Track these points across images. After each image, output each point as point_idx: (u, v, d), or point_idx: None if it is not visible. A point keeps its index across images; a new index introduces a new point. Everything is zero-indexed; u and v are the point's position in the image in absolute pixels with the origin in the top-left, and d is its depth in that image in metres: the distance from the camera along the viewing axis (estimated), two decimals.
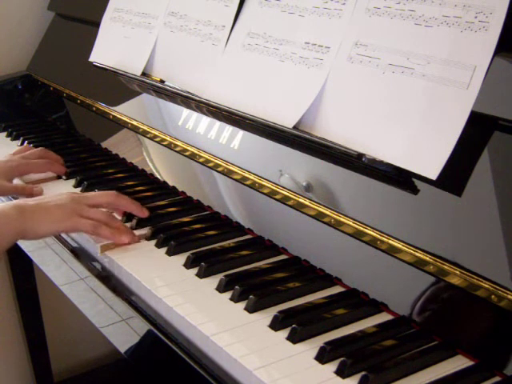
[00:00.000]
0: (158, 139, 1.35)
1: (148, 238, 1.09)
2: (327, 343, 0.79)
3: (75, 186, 1.32)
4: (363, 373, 0.74)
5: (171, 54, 1.36)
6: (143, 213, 1.13)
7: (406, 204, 0.89)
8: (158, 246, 1.06)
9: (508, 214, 0.78)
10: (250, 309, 0.88)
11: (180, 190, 1.27)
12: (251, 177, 1.10)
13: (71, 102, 1.67)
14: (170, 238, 1.06)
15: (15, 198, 1.27)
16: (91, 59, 1.54)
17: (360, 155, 0.90)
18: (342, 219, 0.95)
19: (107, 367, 2.09)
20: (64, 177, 1.36)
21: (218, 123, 1.21)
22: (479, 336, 0.80)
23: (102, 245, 1.06)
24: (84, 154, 1.50)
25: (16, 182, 1.32)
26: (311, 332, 0.83)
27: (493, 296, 0.77)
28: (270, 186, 1.07)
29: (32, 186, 1.28)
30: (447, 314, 0.83)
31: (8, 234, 1.02)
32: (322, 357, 0.78)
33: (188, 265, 1.00)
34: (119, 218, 1.15)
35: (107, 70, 1.46)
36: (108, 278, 1.03)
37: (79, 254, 1.11)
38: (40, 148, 1.40)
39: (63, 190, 1.29)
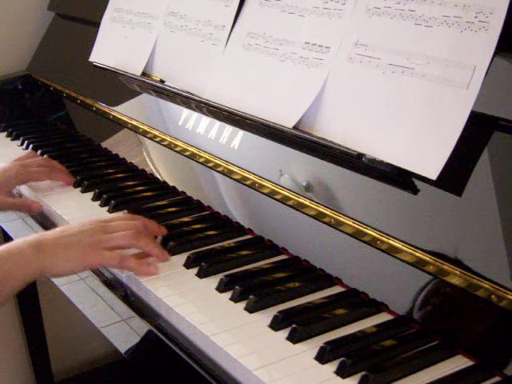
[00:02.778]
0: (157, 139, 1.35)
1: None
2: (327, 343, 0.79)
3: (75, 186, 1.32)
4: (363, 373, 0.74)
5: (171, 54, 1.36)
6: (165, 255, 1.02)
7: (406, 204, 0.89)
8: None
9: (508, 213, 0.78)
10: (250, 309, 0.88)
11: (180, 190, 1.27)
12: (251, 177, 1.10)
13: (71, 102, 1.67)
14: (170, 238, 1.06)
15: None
16: (91, 59, 1.54)
17: (360, 155, 0.90)
18: (342, 219, 0.94)
19: (107, 367, 2.09)
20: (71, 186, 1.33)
21: (217, 123, 1.21)
22: (479, 336, 0.80)
23: None
24: (84, 154, 1.50)
25: (24, 189, 1.31)
26: (311, 332, 0.83)
27: (493, 296, 0.77)
28: (269, 185, 1.07)
29: (31, 202, 1.24)
30: (447, 314, 0.83)
31: (24, 274, 0.95)
32: (322, 357, 0.78)
33: (188, 265, 1.00)
34: None
35: (107, 70, 1.46)
36: (108, 278, 1.04)
37: None
38: (43, 157, 1.36)
39: (69, 196, 1.28)
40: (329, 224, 0.96)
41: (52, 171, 1.32)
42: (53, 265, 0.95)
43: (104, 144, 1.53)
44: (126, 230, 1.00)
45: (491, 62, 0.82)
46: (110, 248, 0.98)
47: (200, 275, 0.97)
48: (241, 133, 1.16)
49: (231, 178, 1.15)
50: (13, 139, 1.63)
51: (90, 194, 1.27)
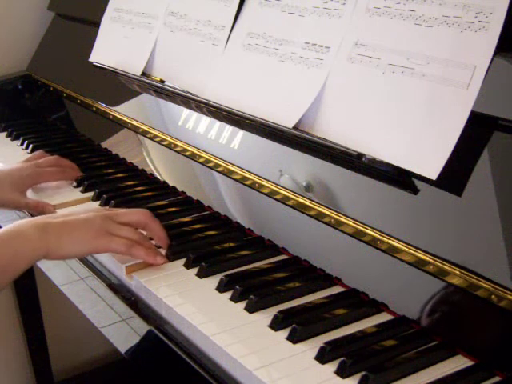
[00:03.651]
0: (157, 139, 1.35)
1: (148, 238, 1.08)
2: (327, 343, 0.79)
3: (75, 186, 1.32)
4: (363, 373, 0.74)
5: (171, 53, 1.36)
6: (162, 259, 1.01)
7: (406, 204, 0.89)
8: (158, 246, 1.06)
9: (508, 213, 0.78)
10: (250, 309, 0.88)
11: (180, 190, 1.27)
12: (251, 177, 1.10)
13: (71, 102, 1.67)
14: (170, 238, 1.06)
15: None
16: (91, 59, 1.54)
17: (360, 155, 0.90)
18: (342, 219, 0.94)
19: (107, 367, 2.09)
20: (74, 183, 1.33)
21: (217, 123, 1.21)
22: (479, 336, 0.80)
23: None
24: (84, 154, 1.50)
25: (29, 193, 1.30)
26: (311, 332, 0.83)
27: (493, 296, 0.77)
28: (269, 185, 1.07)
29: (44, 204, 1.23)
30: (447, 313, 0.83)
31: (28, 255, 0.93)
32: (322, 357, 0.78)
33: (188, 265, 1.00)
34: None
35: (107, 69, 1.46)
36: (108, 278, 1.04)
37: None
38: (54, 156, 1.36)
39: (70, 196, 1.27)
40: (329, 224, 0.96)
41: (64, 172, 1.32)
42: (58, 246, 0.94)
43: (104, 144, 1.53)
44: (132, 223, 1.01)
45: (491, 62, 0.82)
46: (121, 223, 0.99)
47: (200, 275, 0.97)
48: (241, 133, 1.16)
49: (231, 178, 1.15)
50: (13, 139, 1.63)
51: (90, 194, 1.27)
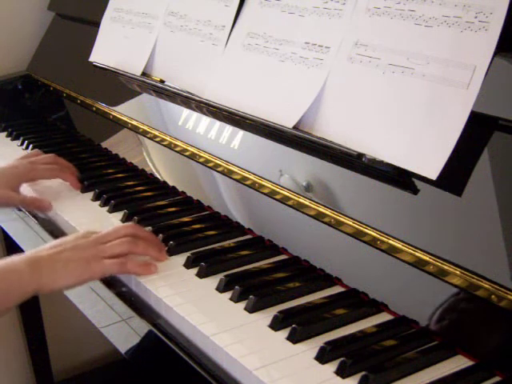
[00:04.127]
0: (157, 139, 1.35)
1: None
2: (327, 343, 0.79)
3: None
4: (363, 373, 0.74)
5: (171, 53, 1.36)
6: (162, 255, 1.02)
7: (406, 204, 0.89)
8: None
9: (508, 213, 0.78)
10: (250, 309, 0.88)
11: (180, 190, 1.27)
12: (251, 177, 1.10)
13: (71, 102, 1.67)
14: (170, 238, 1.06)
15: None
16: (91, 59, 1.54)
17: (360, 155, 0.90)
18: (342, 219, 0.94)
19: (107, 367, 2.09)
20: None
21: (217, 123, 1.21)
22: (479, 336, 0.80)
23: None
24: (84, 154, 1.50)
25: (27, 190, 1.29)
26: (311, 332, 0.83)
27: (493, 296, 0.77)
28: (269, 185, 1.07)
29: (41, 200, 1.23)
30: (447, 313, 0.83)
31: (19, 291, 0.93)
32: (322, 357, 0.78)
33: (188, 265, 1.00)
34: None
35: (107, 69, 1.46)
36: (108, 278, 1.03)
37: None
38: (50, 154, 1.35)
39: (70, 196, 1.28)
40: (329, 224, 0.96)
41: (61, 170, 1.31)
42: (52, 281, 0.94)
43: (104, 144, 1.53)
44: (120, 237, 0.99)
45: (491, 62, 0.82)
46: (109, 257, 0.97)
47: (200, 275, 0.97)
48: (241, 133, 1.16)
49: (231, 178, 1.15)
50: (13, 139, 1.63)
51: (90, 194, 1.27)
